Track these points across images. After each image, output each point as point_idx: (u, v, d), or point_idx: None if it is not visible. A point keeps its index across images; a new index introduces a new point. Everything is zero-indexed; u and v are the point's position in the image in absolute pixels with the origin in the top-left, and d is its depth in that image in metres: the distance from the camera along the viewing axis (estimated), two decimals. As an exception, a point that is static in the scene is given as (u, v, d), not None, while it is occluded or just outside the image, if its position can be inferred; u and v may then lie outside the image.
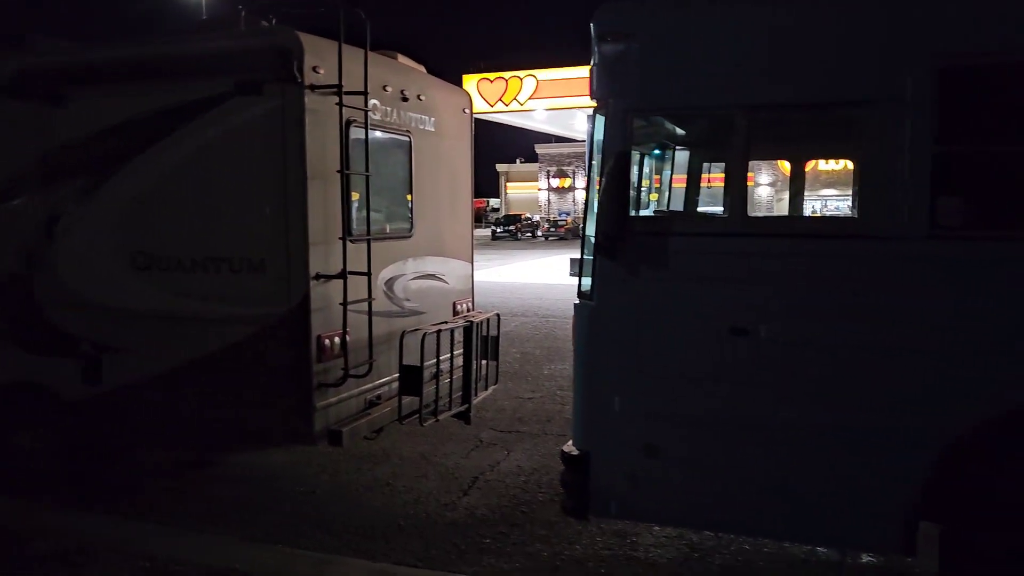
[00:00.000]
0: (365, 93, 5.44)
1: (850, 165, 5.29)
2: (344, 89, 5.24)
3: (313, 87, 5.12)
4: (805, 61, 3.69)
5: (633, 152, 5.10)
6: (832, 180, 29.71)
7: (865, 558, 4.83)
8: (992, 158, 3.56)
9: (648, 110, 4.14)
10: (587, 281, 4.11)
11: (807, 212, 8.22)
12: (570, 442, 4.26)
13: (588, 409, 4.16)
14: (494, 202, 71.61)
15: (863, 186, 3.68)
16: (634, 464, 3.99)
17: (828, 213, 24.19)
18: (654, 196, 5.76)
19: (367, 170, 5.56)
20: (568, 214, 55.04)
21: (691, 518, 4.23)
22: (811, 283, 3.68)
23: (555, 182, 58.84)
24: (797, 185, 6.12)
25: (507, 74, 26.24)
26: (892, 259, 3.54)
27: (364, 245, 5.55)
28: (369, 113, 5.53)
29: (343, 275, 5.34)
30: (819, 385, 3.70)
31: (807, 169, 6.41)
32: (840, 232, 3.84)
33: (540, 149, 58.48)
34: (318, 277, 5.24)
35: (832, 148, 5.67)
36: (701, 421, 3.89)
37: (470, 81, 25.93)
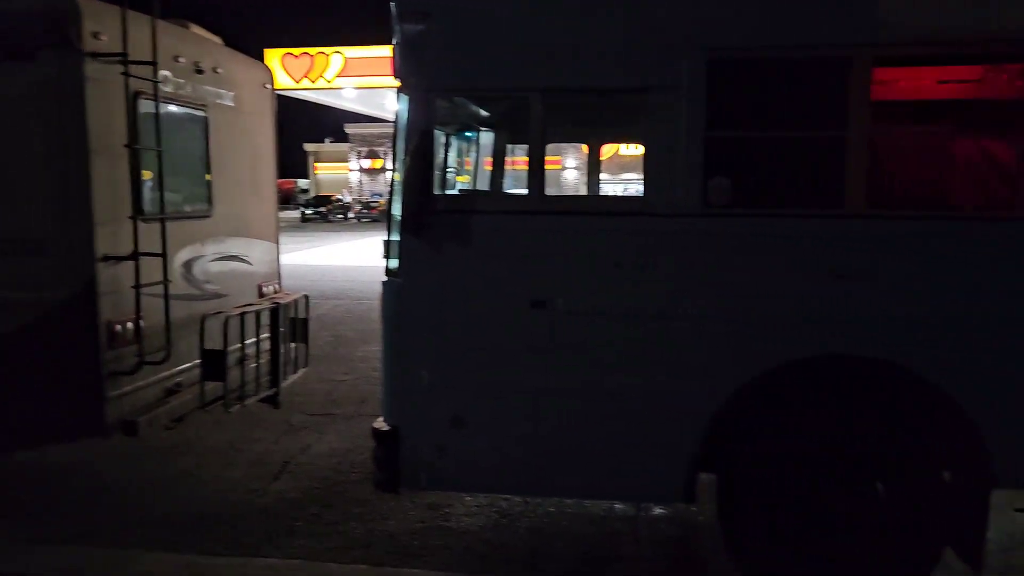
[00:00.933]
0: (154, 63, 5.13)
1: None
2: (130, 58, 4.92)
3: (94, 55, 4.76)
4: (594, 47, 3.92)
5: (438, 132, 5.21)
6: (636, 164, 31.53)
7: (656, 510, 5.29)
8: (755, 143, 3.97)
9: (450, 90, 4.23)
10: (395, 259, 4.16)
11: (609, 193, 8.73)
12: (380, 418, 4.31)
13: (396, 384, 4.23)
14: (303, 183, 69.41)
15: (647, 168, 3.98)
16: (442, 436, 4.12)
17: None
18: (462, 179, 5.90)
19: (159, 145, 5.26)
20: (381, 195, 54.48)
21: (498, 484, 4.43)
22: (602, 257, 3.95)
23: (366, 163, 58.00)
24: (594, 167, 6.49)
25: (313, 50, 25.44)
26: (672, 234, 3.88)
27: (158, 225, 5.25)
28: (159, 85, 5.22)
29: (134, 257, 5.03)
30: (610, 353, 3.98)
31: (605, 152, 6.82)
32: (628, 210, 4.14)
33: (350, 129, 57.30)
34: (106, 259, 4.91)
35: (623, 132, 6.06)
36: (504, 391, 4.07)
37: (273, 56, 24.89)
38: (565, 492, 4.69)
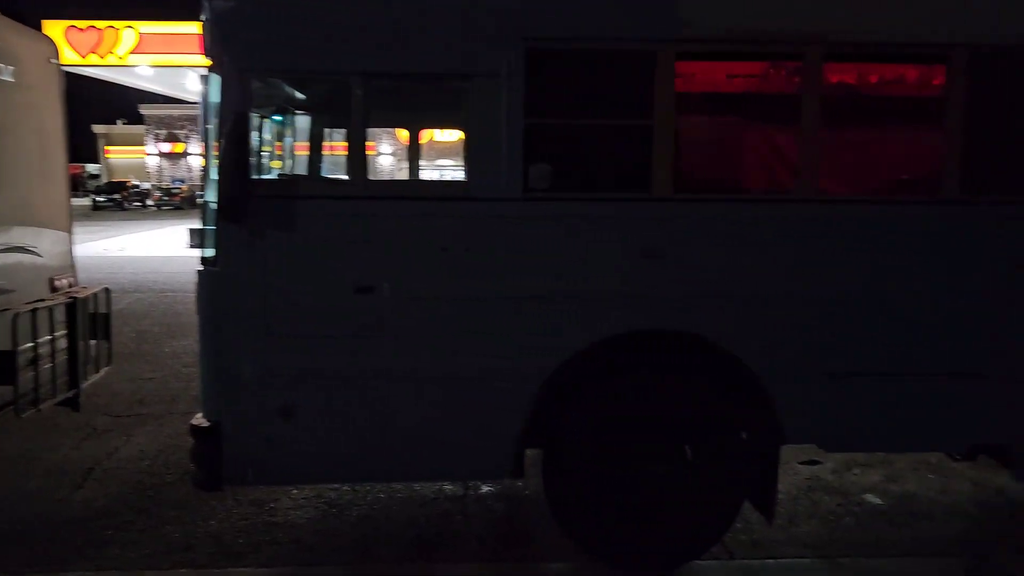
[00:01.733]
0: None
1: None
2: None
3: None
4: (417, 32, 3.94)
5: (254, 114, 5.01)
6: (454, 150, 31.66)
7: (485, 488, 5.43)
8: (572, 130, 4.16)
9: (265, 72, 4.08)
10: (211, 247, 3.97)
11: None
12: (199, 414, 4.11)
13: (217, 377, 4.05)
14: (92, 168, 63.65)
15: (470, 153, 4.06)
16: (269, 428, 4.00)
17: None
18: (276, 163, 5.70)
19: (-76, 124, 4.66)
20: (183, 181, 51.22)
21: (330, 474, 4.37)
22: (427, 241, 3.99)
23: (166, 147, 54.24)
24: (415, 152, 6.49)
25: (101, 24, 23.30)
26: (495, 218, 3.99)
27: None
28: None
29: None
30: (437, 336, 4.04)
31: (425, 138, 6.82)
32: (452, 195, 4.19)
33: (146, 110, 53.30)
34: None
35: (445, 118, 6.11)
36: (333, 378, 4.02)
37: (54, 28, 22.56)
38: (397, 476, 4.72)
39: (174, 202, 45.71)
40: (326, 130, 5.69)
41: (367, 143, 4.22)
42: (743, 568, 4.38)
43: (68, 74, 7.14)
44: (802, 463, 5.90)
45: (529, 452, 4.36)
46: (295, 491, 5.26)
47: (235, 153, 3.80)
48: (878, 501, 5.28)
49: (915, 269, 4.11)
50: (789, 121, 4.20)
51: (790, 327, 4.11)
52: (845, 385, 4.14)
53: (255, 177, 4.25)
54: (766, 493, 4.34)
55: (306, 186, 4.39)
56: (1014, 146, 4.20)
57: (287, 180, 4.83)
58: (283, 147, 5.81)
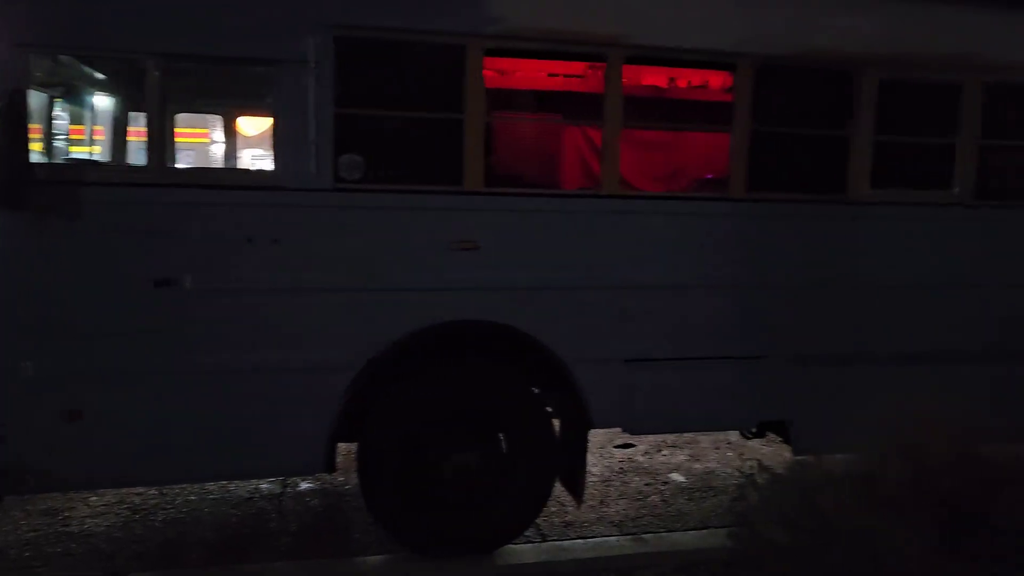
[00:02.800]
0: None
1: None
2: None
3: None
4: (219, 13, 3.77)
5: (41, 93, 4.63)
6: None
7: (303, 484, 5.32)
8: (384, 121, 4.12)
9: (47, 47, 3.77)
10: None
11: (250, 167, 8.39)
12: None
13: (-8, 379, 3.72)
14: None
15: (278, 141, 3.94)
16: (54, 431, 3.71)
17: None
18: (84, 148, 5.31)
19: None
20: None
21: (125, 477, 4.10)
22: (231, 232, 3.84)
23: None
24: (231, 139, 6.22)
25: None
26: (304, 209, 3.91)
27: None
28: None
29: None
30: (243, 329, 3.90)
31: (257, 126, 6.55)
32: (259, 184, 4.06)
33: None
34: None
35: (253, 105, 5.88)
36: (127, 377, 3.79)
37: None
38: (203, 476, 4.51)
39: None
40: (132, 113, 5.35)
41: (189, 130, 4.01)
42: (554, 548, 4.54)
43: None
44: (618, 447, 6.20)
45: (349, 446, 4.32)
46: (94, 498, 4.93)
47: (9, 134, 3.50)
48: (682, 479, 5.64)
49: (705, 261, 4.41)
50: (594, 119, 4.38)
51: (591, 316, 4.29)
52: (641, 370, 4.38)
53: (37, 161, 3.93)
54: (576, 476, 4.52)
55: (95, 172, 4.09)
56: (793, 149, 4.59)
57: (74, 165, 4.48)
58: (83, 130, 5.42)
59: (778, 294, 4.55)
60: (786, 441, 4.80)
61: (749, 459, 5.82)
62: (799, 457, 4.50)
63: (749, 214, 4.46)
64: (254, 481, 5.27)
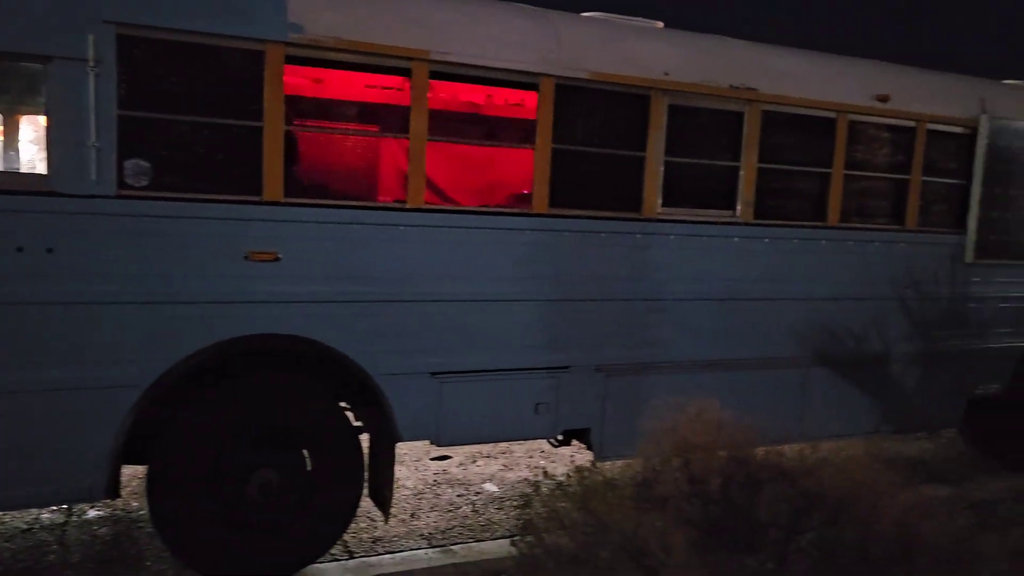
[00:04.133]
0: None
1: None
2: None
3: None
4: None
5: None
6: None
7: (91, 512, 4.94)
8: (174, 126, 3.90)
9: None
10: None
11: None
12: None
13: None
14: None
15: (53, 143, 3.64)
16: None
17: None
18: None
19: None
20: None
21: None
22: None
23: None
24: (11, 139, 5.70)
25: None
26: (83, 216, 3.64)
27: None
28: None
29: None
30: (13, 347, 3.58)
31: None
32: (29, 188, 3.73)
33: None
34: None
35: (31, 103, 5.40)
36: None
37: None
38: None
39: None
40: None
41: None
42: (361, 566, 4.47)
43: None
44: (434, 459, 6.21)
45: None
46: None
47: None
48: (495, 489, 5.73)
49: (510, 275, 4.52)
50: (400, 132, 4.39)
51: (397, 329, 4.28)
52: (448, 382, 4.42)
53: None
54: (383, 491, 4.48)
55: None
56: (593, 168, 4.79)
57: None
58: None
59: (580, 307, 4.73)
60: (590, 448, 4.99)
61: (565, 466, 6.00)
62: (581, 464, 4.69)
63: (552, 229, 4.61)
64: (34, 511, 4.83)
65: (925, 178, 5.70)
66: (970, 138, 5.83)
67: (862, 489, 3.11)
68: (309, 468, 4.27)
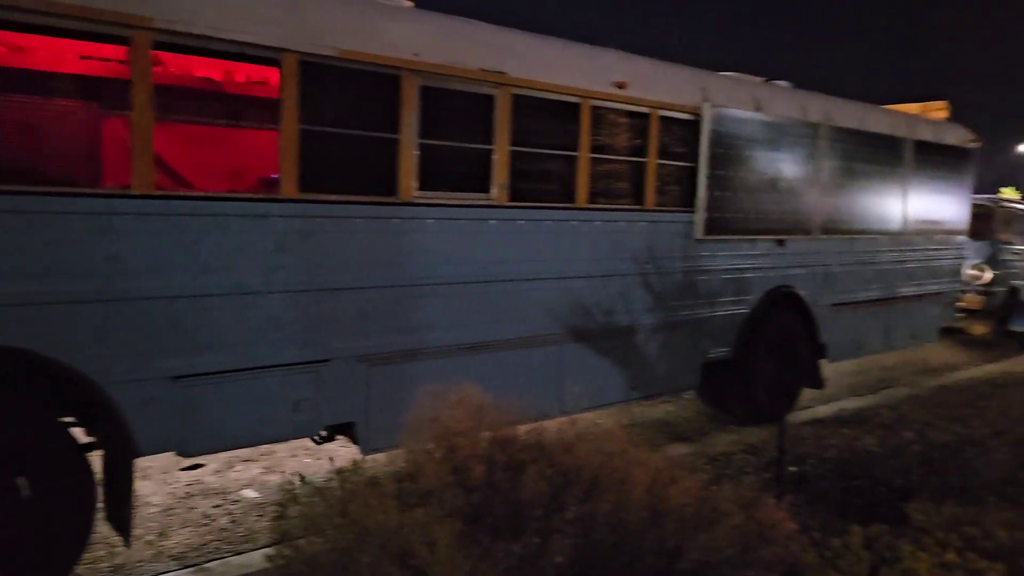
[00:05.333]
0: None
1: None
2: None
3: None
4: None
5: None
6: None
7: None
8: None
9: None
10: None
11: None
12: None
13: None
14: None
15: None
16: None
17: None
18: None
19: None
20: None
21: None
22: None
23: None
24: None
25: None
26: None
27: None
28: None
29: None
30: None
31: None
32: None
33: None
34: None
35: None
36: None
37: None
38: None
39: None
40: None
41: None
42: (98, 599, 3.98)
43: None
44: (184, 469, 5.70)
45: None
46: None
47: None
48: (255, 494, 5.37)
49: (260, 265, 4.21)
50: (122, 109, 3.90)
51: (122, 330, 3.81)
52: (192, 386, 4.04)
53: None
54: (122, 512, 4.01)
55: None
56: (346, 150, 4.59)
57: None
58: None
59: (337, 296, 4.53)
60: (356, 443, 4.82)
61: (334, 463, 5.76)
62: (343, 466, 4.54)
63: (302, 215, 4.36)
64: None
65: (660, 161, 6.11)
66: (695, 124, 6.34)
67: (614, 460, 3.24)
68: (27, 496, 3.70)
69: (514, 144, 5.19)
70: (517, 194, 5.27)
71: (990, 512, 3.22)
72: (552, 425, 3.89)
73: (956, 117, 9.79)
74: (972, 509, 3.27)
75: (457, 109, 5.02)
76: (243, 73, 5.55)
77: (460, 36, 5.05)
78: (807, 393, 7.83)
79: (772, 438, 6.11)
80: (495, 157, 5.13)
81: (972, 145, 9.68)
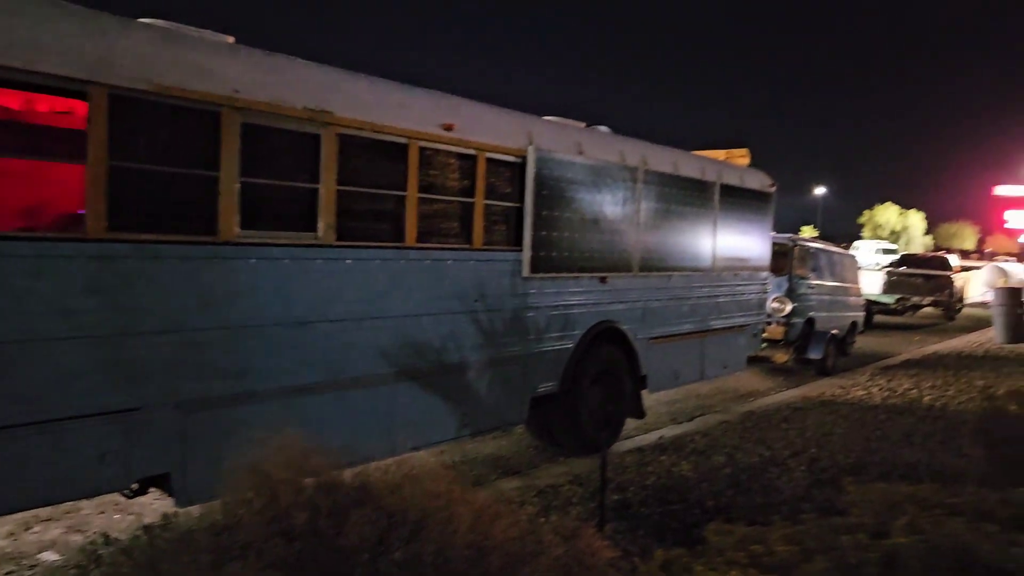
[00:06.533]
0: None
1: None
2: None
3: None
4: None
5: None
6: None
7: None
8: None
9: None
10: None
11: None
12: None
13: None
14: None
15: None
16: None
17: None
18: None
19: None
20: None
21: None
22: None
23: None
24: None
25: None
26: None
27: None
28: None
29: None
30: None
31: None
32: None
33: None
34: None
35: None
36: None
37: None
38: None
39: None
40: None
41: None
42: None
43: None
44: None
45: None
46: None
47: None
48: (55, 557, 4.93)
49: (56, 309, 3.92)
50: None
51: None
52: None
53: None
54: None
55: None
56: (160, 187, 4.39)
57: None
58: None
59: (149, 340, 4.29)
60: (171, 495, 4.55)
61: (147, 517, 5.38)
62: (151, 523, 4.29)
63: (111, 255, 4.11)
64: None
65: (488, 201, 6.28)
66: (521, 167, 6.58)
67: (439, 499, 3.26)
68: None
69: (341, 183, 5.16)
70: (345, 233, 5.23)
71: (775, 528, 3.53)
72: (380, 467, 3.86)
73: (760, 164, 10.79)
74: (760, 528, 3.57)
75: (282, 147, 4.94)
76: (46, 103, 5.19)
77: (283, 74, 4.98)
78: (630, 423, 8.22)
79: (598, 468, 6.36)
80: (321, 196, 5.07)
81: (771, 189, 10.67)
